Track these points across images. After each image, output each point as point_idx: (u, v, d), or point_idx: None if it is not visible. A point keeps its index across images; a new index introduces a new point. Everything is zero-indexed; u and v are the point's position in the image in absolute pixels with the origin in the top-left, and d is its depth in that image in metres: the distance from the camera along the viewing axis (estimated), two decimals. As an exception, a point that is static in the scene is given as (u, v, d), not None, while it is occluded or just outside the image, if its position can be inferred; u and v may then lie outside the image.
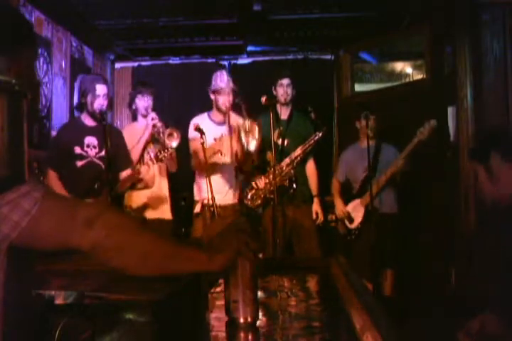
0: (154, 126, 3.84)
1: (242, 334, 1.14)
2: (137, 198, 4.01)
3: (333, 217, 4.54)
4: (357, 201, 4.10)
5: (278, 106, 4.14)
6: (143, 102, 4.09)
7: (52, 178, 3.54)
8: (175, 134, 3.69)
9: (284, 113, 4.17)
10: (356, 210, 4.10)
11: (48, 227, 0.88)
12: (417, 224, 4.15)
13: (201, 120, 3.99)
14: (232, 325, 1.16)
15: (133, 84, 5.53)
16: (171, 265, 1.02)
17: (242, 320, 1.15)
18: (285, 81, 4.14)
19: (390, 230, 3.95)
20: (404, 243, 3.99)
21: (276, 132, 3.92)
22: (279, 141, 4.00)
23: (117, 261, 0.96)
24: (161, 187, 4.09)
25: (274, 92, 4.18)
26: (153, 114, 3.93)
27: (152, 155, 3.66)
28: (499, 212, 1.89)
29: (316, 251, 3.99)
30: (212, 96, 4.04)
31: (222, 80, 3.98)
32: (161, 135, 3.77)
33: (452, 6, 3.98)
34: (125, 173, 3.68)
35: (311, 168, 4.20)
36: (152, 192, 4.01)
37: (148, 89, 4.12)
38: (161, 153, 3.61)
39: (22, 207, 0.86)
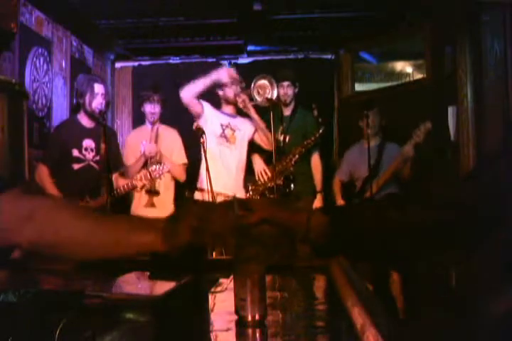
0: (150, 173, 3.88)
1: (250, 332, 1.14)
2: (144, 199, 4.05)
3: None
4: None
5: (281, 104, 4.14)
6: (150, 108, 4.11)
7: (43, 173, 3.53)
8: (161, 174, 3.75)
9: (287, 109, 4.18)
10: None
11: None
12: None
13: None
14: (240, 324, 1.16)
15: (133, 86, 5.58)
16: (114, 251, 1.00)
17: (249, 319, 1.15)
18: (285, 83, 4.14)
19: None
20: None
21: (280, 129, 3.93)
22: (281, 138, 4.00)
23: (55, 254, 0.97)
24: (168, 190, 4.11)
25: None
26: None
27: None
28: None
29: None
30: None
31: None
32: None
33: (452, 6, 3.97)
34: (116, 175, 3.72)
35: (315, 161, 4.16)
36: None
37: (157, 95, 4.13)
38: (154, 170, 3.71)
39: None
